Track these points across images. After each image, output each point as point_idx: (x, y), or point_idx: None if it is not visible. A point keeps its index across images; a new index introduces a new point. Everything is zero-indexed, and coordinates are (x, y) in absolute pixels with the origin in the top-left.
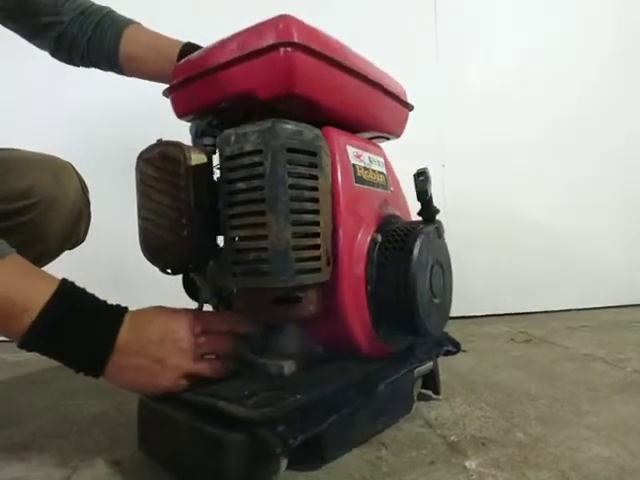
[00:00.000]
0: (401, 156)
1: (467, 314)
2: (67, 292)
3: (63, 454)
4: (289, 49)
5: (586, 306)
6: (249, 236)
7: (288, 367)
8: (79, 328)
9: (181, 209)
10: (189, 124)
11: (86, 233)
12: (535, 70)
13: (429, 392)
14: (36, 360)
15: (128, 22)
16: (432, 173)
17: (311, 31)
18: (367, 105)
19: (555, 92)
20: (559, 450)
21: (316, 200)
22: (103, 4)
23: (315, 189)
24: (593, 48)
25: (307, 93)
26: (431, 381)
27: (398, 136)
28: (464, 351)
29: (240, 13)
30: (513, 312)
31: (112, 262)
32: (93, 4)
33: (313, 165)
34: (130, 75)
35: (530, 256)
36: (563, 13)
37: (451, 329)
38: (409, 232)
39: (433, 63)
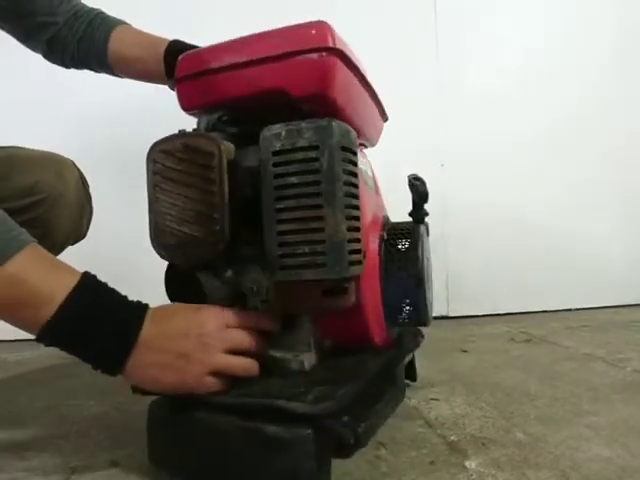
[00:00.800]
0: (401, 156)
1: (467, 314)
2: (90, 284)
3: (63, 454)
4: (326, 53)
5: (586, 306)
6: (303, 229)
7: (308, 362)
8: (100, 322)
9: (213, 203)
10: (183, 122)
11: (88, 228)
12: (535, 70)
13: (407, 380)
14: (36, 360)
15: (117, 22)
16: (431, 173)
17: (342, 39)
18: (369, 114)
19: (555, 92)
20: (559, 450)
21: (358, 196)
22: (104, 4)
23: (357, 186)
24: (593, 48)
25: (335, 96)
26: (409, 369)
27: (373, 145)
28: (464, 351)
29: (240, 13)
30: (513, 312)
31: (111, 260)
32: (85, 5)
33: (354, 163)
34: (120, 75)
35: (530, 256)
36: (563, 13)
37: (451, 329)
38: (411, 232)
39: (433, 63)
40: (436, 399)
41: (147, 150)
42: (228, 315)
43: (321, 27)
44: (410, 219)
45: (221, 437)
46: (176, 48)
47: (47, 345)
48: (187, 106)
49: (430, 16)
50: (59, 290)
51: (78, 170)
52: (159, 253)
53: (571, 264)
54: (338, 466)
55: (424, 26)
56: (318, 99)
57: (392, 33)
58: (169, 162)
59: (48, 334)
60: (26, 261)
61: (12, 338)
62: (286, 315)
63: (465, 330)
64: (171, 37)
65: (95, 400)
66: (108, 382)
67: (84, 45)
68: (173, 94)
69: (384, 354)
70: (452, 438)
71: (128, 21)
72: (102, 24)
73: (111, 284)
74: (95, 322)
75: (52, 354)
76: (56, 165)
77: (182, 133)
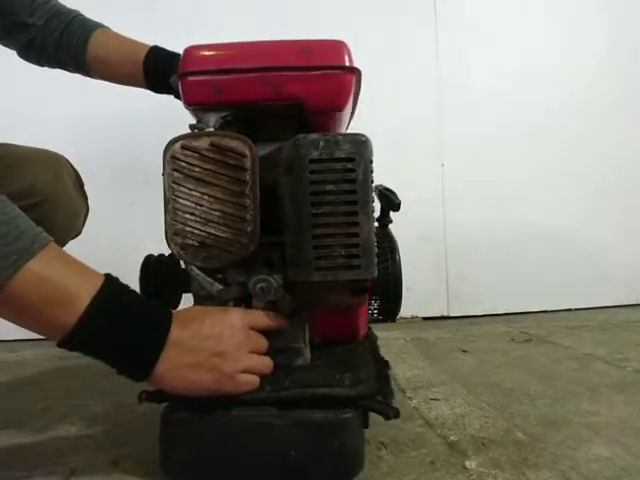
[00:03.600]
0: (401, 156)
1: (467, 314)
2: (114, 286)
3: (63, 454)
4: (345, 72)
5: (586, 306)
6: (339, 233)
7: (308, 356)
8: (127, 324)
9: (245, 204)
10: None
11: (84, 225)
12: (535, 70)
13: None
14: (36, 360)
15: (97, 25)
16: (431, 173)
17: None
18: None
19: (555, 92)
20: (559, 450)
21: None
22: (105, 4)
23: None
24: (593, 48)
25: (343, 111)
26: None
27: None
28: (464, 351)
29: (241, 13)
30: (513, 312)
31: (110, 259)
32: (64, 6)
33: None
34: (96, 77)
35: (530, 256)
36: (563, 13)
37: (451, 329)
38: (388, 234)
39: (433, 63)
40: (436, 399)
41: (137, 150)
42: (253, 316)
43: (341, 45)
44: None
45: (267, 432)
46: (156, 55)
47: (71, 347)
48: (193, 101)
49: (430, 16)
50: (85, 289)
51: (72, 167)
52: (177, 253)
53: (571, 264)
54: None
55: (424, 26)
56: (331, 113)
57: (392, 33)
58: (193, 160)
59: (74, 336)
60: (51, 259)
61: (12, 338)
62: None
63: (465, 330)
64: (138, 41)
65: (95, 400)
66: (108, 382)
67: (62, 47)
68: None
69: (364, 343)
70: (452, 438)
71: (129, 20)
72: (81, 26)
73: None
74: (123, 324)
75: (52, 354)
76: (53, 164)
77: (207, 131)
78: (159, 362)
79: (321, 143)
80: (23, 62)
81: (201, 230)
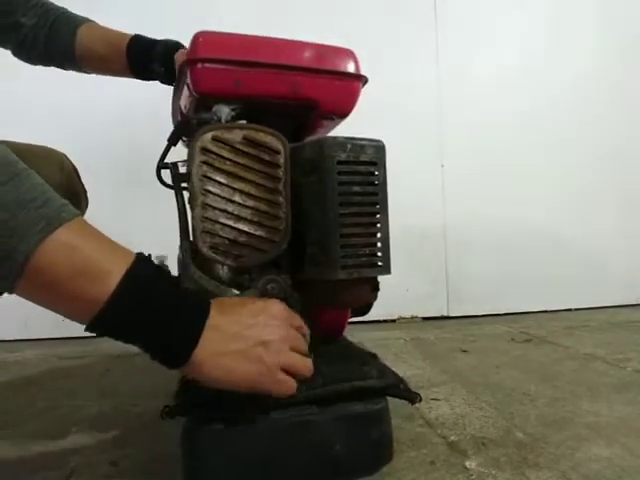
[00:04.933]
0: (401, 156)
1: (467, 314)
2: (148, 263)
3: (63, 454)
4: (356, 79)
5: (586, 306)
6: (364, 233)
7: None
8: (164, 303)
9: (279, 202)
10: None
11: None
12: (535, 70)
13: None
14: (36, 360)
15: (83, 20)
16: (432, 173)
17: None
18: None
19: (555, 93)
20: (559, 450)
21: None
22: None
23: None
24: (593, 48)
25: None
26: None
27: None
28: (464, 351)
29: (240, 13)
30: (513, 312)
31: None
32: (52, 3)
33: None
34: (86, 71)
35: (530, 256)
36: (563, 13)
37: (451, 329)
38: None
39: (433, 63)
40: (436, 399)
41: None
42: (290, 312)
43: (353, 53)
44: None
45: (310, 430)
46: (137, 43)
47: (101, 332)
48: (208, 90)
49: (430, 16)
50: (117, 264)
51: (71, 162)
52: (205, 252)
53: (571, 264)
54: None
55: (424, 26)
56: (340, 116)
57: (392, 33)
58: (225, 152)
59: (106, 314)
60: (80, 229)
61: (12, 338)
62: None
63: (465, 330)
64: (121, 31)
65: (95, 400)
66: (108, 382)
67: (51, 42)
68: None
69: (345, 339)
70: (452, 438)
71: (131, 20)
72: (68, 21)
73: None
74: (159, 303)
75: (52, 354)
76: (56, 159)
77: (239, 123)
78: (198, 347)
79: (348, 146)
80: (13, 59)
81: (233, 227)
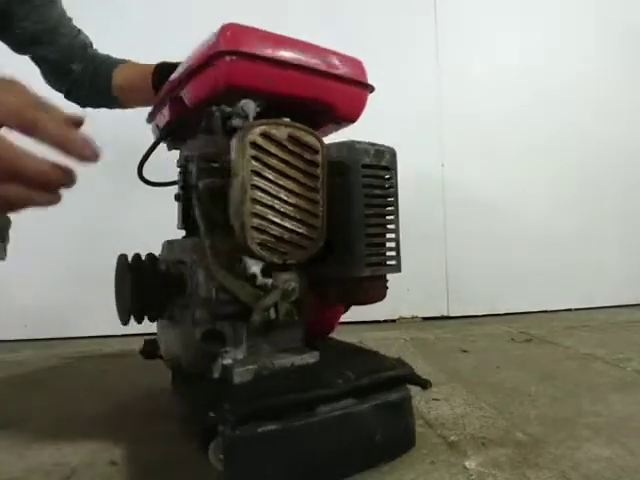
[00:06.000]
0: (401, 156)
1: (467, 314)
2: None
3: (63, 454)
4: (366, 88)
5: (586, 306)
6: (383, 233)
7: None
8: None
9: (317, 200)
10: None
11: None
12: (535, 70)
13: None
14: (36, 360)
15: (121, 61)
16: (432, 173)
17: None
18: None
19: (555, 92)
20: (559, 450)
21: None
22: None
23: None
24: (594, 48)
25: None
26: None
27: None
28: (464, 351)
29: (240, 11)
30: (513, 312)
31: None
32: (99, 53)
33: None
34: (128, 106)
35: (530, 256)
36: (563, 13)
37: (451, 329)
38: None
39: (433, 63)
40: (436, 399)
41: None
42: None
43: (363, 64)
44: None
45: (351, 421)
46: (163, 70)
47: None
48: (236, 83)
49: (430, 16)
50: None
51: None
52: (255, 250)
53: (571, 264)
54: None
55: (424, 26)
56: (348, 122)
57: (392, 33)
58: (273, 149)
59: None
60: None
61: (12, 338)
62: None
63: (465, 330)
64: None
65: (95, 400)
66: (108, 382)
67: (93, 85)
68: None
69: (333, 337)
70: (452, 438)
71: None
72: (108, 65)
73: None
74: None
75: (52, 354)
76: None
77: (284, 121)
78: None
79: (372, 151)
80: (13, 55)
81: (279, 225)
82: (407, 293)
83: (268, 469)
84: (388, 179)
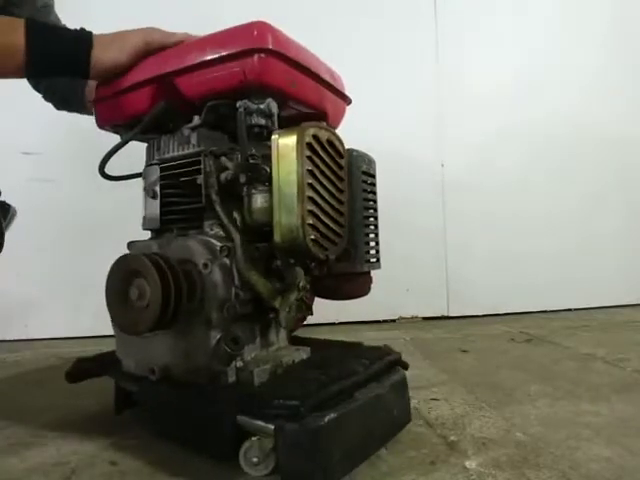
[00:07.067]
0: (401, 156)
1: (467, 314)
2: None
3: (63, 454)
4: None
5: (586, 306)
6: (374, 233)
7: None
8: (57, 29)
9: (343, 201)
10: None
11: None
12: (535, 70)
13: None
14: (36, 360)
15: None
16: (432, 173)
17: None
18: None
19: (556, 93)
20: (559, 450)
21: None
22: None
23: None
24: (594, 48)
25: None
26: None
27: None
28: (464, 351)
29: (239, 10)
30: (513, 312)
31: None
32: None
33: None
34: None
35: (530, 256)
36: (563, 13)
37: (451, 329)
38: None
39: (433, 63)
40: (436, 399)
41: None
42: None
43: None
44: None
45: (380, 400)
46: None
47: (36, 69)
48: (265, 82)
49: (430, 16)
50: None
51: None
52: (306, 246)
53: (571, 264)
54: None
55: (424, 26)
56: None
57: (392, 33)
58: (321, 152)
59: (31, 47)
60: None
61: (12, 338)
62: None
63: (465, 330)
64: None
65: (95, 400)
66: (108, 382)
67: (68, 88)
68: None
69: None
70: (452, 438)
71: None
72: None
73: None
74: (54, 31)
75: (52, 354)
76: None
77: (322, 124)
78: (93, 48)
79: (367, 159)
80: None
81: (324, 222)
82: (407, 293)
83: (334, 454)
84: (374, 185)
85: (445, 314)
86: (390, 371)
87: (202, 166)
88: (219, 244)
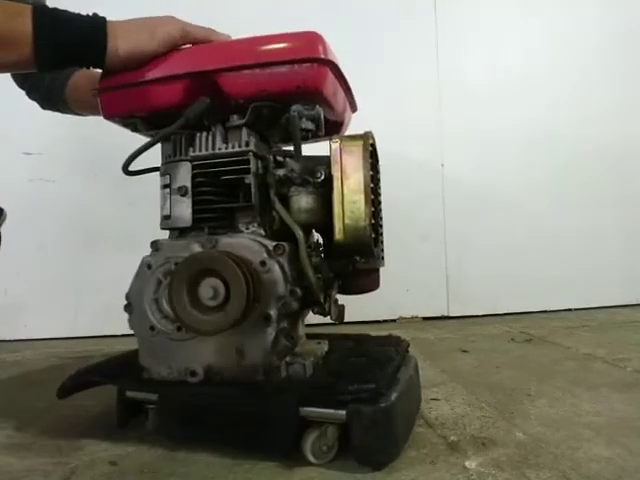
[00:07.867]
0: (401, 156)
1: (467, 314)
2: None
3: (63, 454)
4: None
5: (586, 306)
6: (382, 232)
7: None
8: (70, 15)
9: (381, 202)
10: None
11: None
12: (535, 70)
13: None
14: (36, 360)
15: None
16: (432, 173)
17: None
18: None
19: (554, 91)
20: (559, 450)
21: None
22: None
23: None
24: (594, 49)
25: None
26: None
27: None
28: (464, 351)
29: (239, 10)
30: (513, 312)
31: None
32: None
33: None
34: (79, 113)
35: (530, 256)
36: (563, 13)
37: (451, 329)
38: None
39: (433, 63)
40: (436, 399)
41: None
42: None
43: None
44: None
45: (413, 383)
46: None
47: (46, 60)
48: (319, 89)
49: (430, 16)
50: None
51: None
52: (370, 244)
53: (571, 264)
54: (338, 466)
55: (424, 26)
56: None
57: (392, 33)
58: (371, 158)
59: (40, 37)
60: None
61: (12, 338)
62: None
63: (465, 330)
64: None
65: (95, 400)
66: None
67: (51, 86)
68: None
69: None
70: (452, 438)
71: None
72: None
73: (114, 282)
74: (66, 17)
75: (52, 354)
76: None
77: (370, 132)
78: (108, 36)
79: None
80: None
81: (376, 223)
82: (407, 293)
83: (399, 428)
84: (379, 182)
85: (445, 314)
86: (408, 355)
87: (251, 165)
88: (272, 243)
